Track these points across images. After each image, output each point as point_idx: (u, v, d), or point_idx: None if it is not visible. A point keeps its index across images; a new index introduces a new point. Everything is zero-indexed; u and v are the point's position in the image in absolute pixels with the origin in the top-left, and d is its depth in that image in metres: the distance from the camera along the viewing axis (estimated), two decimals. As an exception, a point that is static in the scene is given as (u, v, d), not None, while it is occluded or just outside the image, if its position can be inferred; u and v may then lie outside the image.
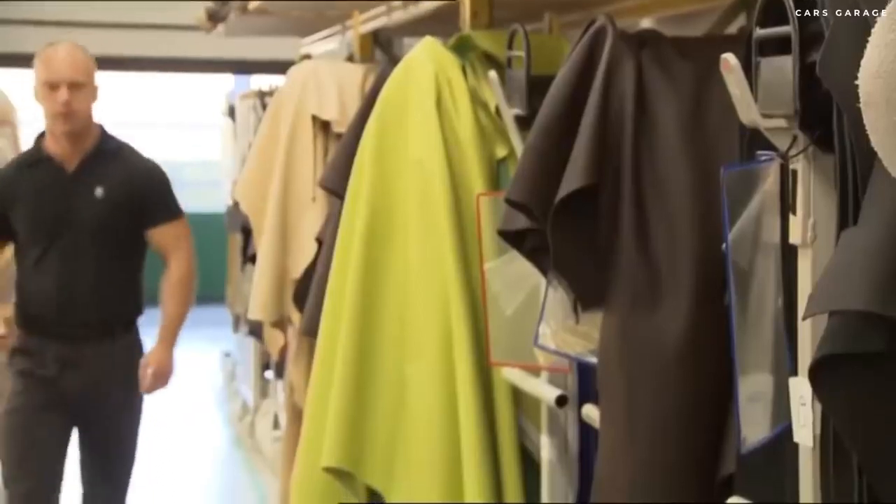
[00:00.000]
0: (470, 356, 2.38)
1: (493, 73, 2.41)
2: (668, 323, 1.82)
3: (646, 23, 2.92)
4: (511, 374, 2.39)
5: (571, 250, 1.92)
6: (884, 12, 0.99)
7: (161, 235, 3.46)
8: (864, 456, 1.37)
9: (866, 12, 1.35)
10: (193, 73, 10.19)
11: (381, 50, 3.88)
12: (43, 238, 3.36)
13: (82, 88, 3.34)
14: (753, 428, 1.59)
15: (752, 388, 1.54)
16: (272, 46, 6.43)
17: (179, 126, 10.68)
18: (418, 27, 3.42)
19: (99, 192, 3.37)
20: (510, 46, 2.42)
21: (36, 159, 3.41)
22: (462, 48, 2.60)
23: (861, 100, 1.02)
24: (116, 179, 3.39)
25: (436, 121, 2.49)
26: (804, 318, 1.41)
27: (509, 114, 2.36)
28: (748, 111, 1.55)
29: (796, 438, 1.51)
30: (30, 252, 3.37)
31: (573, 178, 1.88)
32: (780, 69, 1.49)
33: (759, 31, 1.54)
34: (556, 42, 2.60)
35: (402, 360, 2.45)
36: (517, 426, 2.44)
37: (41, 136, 3.43)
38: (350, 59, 3.93)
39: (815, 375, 1.34)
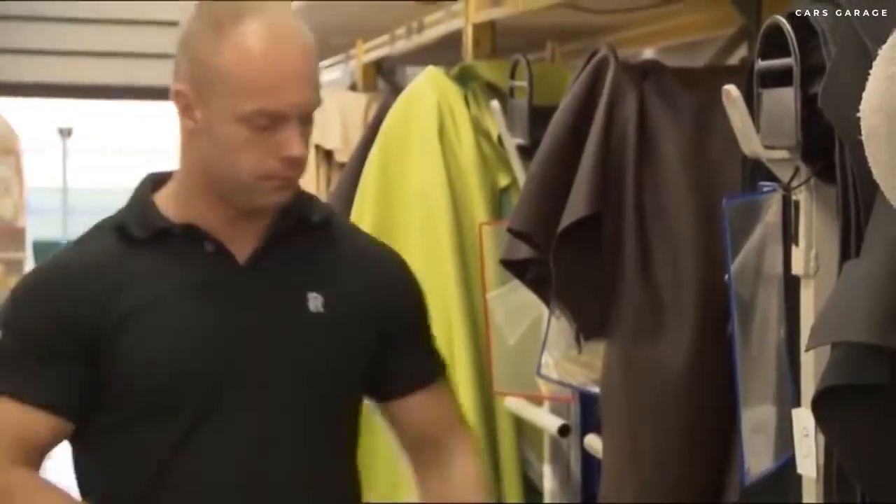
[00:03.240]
0: (472, 385, 2.38)
1: (495, 103, 2.42)
2: (670, 352, 1.82)
3: (648, 53, 2.93)
4: (513, 404, 2.39)
5: (574, 280, 1.92)
6: (885, 46, 0.99)
7: (430, 409, 1.64)
8: (868, 488, 1.37)
9: (868, 44, 1.36)
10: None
11: (384, 79, 3.89)
12: (194, 396, 1.50)
13: (312, 119, 1.52)
14: (757, 458, 1.59)
15: (756, 419, 1.54)
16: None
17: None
18: (421, 56, 3.43)
19: (315, 301, 1.55)
20: (512, 76, 2.43)
21: (158, 232, 1.52)
22: (464, 78, 2.61)
23: (863, 133, 1.02)
24: (344, 278, 1.58)
25: (438, 150, 2.49)
26: (807, 350, 1.42)
27: (511, 143, 2.37)
28: (750, 142, 1.55)
29: (800, 470, 1.51)
30: (158, 427, 1.50)
31: (576, 208, 1.88)
32: (782, 100, 1.50)
33: (761, 63, 1.54)
34: (558, 71, 2.61)
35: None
36: (520, 456, 2.44)
37: (150, 184, 1.57)
38: (353, 87, 3.94)
39: (818, 407, 1.34)
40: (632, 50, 2.91)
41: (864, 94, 1.00)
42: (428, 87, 2.57)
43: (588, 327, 1.97)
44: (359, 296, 1.54)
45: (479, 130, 2.55)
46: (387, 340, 1.57)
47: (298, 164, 1.47)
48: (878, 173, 1.02)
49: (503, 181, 2.53)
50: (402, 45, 3.37)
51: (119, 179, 8.74)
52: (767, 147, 1.54)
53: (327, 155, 3.55)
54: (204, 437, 1.47)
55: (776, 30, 1.51)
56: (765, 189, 1.60)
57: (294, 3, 3.65)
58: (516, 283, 2.13)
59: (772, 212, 1.58)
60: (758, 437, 1.58)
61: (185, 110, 1.48)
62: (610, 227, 1.90)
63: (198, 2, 1.52)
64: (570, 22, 2.71)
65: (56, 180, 10.28)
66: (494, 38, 2.79)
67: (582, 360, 2.03)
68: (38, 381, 1.47)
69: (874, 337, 1.28)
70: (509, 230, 2.01)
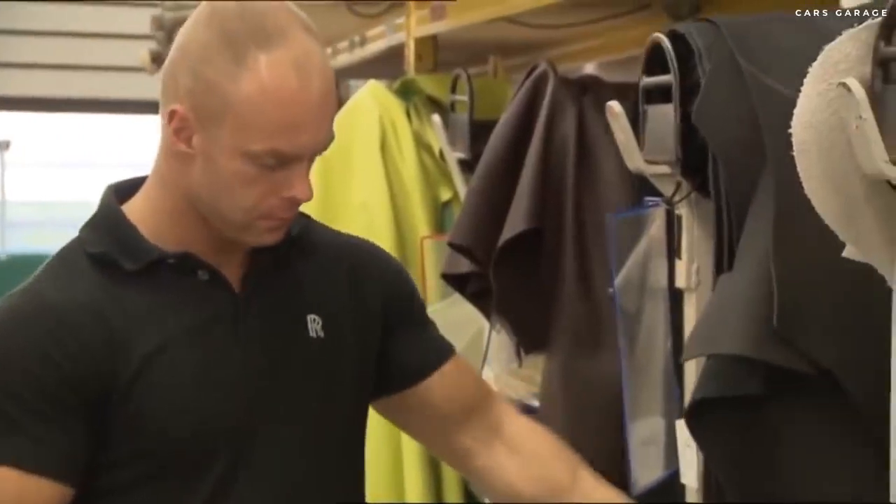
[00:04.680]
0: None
1: (436, 117, 2.43)
2: (609, 365, 1.83)
3: (589, 68, 2.96)
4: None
5: (514, 294, 1.93)
6: (815, 64, 1.01)
7: (452, 385, 1.51)
8: (741, 497, 1.39)
9: (741, 62, 1.39)
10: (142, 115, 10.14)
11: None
12: (227, 443, 1.34)
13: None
14: (647, 470, 1.60)
15: (646, 430, 1.55)
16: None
17: (134, 167, 10.59)
18: (363, 70, 3.43)
19: (314, 325, 1.43)
20: (453, 90, 2.44)
21: (150, 264, 1.34)
22: (406, 91, 2.61)
23: (794, 148, 1.04)
24: (338, 294, 1.45)
25: (380, 163, 2.50)
26: (682, 362, 1.44)
27: (453, 157, 2.38)
28: (633, 158, 1.58)
29: (683, 480, 1.53)
30: (190, 479, 1.33)
31: (516, 223, 1.89)
32: (664, 117, 1.53)
33: (646, 80, 1.57)
34: (499, 86, 2.63)
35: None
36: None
37: (117, 200, 1.38)
38: (295, 100, 3.92)
39: (691, 418, 1.36)
40: (573, 65, 2.94)
41: (796, 110, 1.02)
42: (370, 100, 2.58)
43: (528, 341, 1.98)
44: (353, 304, 1.43)
45: (421, 144, 2.55)
46: (393, 332, 1.46)
47: (296, 207, 1.33)
48: (808, 188, 1.04)
49: (445, 195, 2.53)
50: (344, 59, 3.37)
51: (57, 193, 8.63)
52: (651, 162, 1.57)
53: (269, 168, 3.53)
54: (242, 482, 1.33)
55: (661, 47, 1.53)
56: (649, 203, 1.63)
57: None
58: (457, 296, 2.14)
59: (656, 226, 1.61)
60: (648, 449, 1.59)
61: (179, 133, 1.28)
62: (550, 241, 1.91)
63: (205, 7, 1.29)
64: (511, 37, 2.73)
65: (-7, 193, 10.14)
66: (436, 52, 2.80)
67: (522, 374, 2.04)
68: (38, 444, 1.26)
69: (746, 349, 1.31)
70: (450, 244, 2.02)
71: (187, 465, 1.31)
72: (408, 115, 2.57)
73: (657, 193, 1.61)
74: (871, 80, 0.97)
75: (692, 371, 1.51)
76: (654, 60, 1.54)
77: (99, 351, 1.28)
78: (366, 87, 2.65)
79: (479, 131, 2.22)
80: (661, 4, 2.09)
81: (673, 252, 1.58)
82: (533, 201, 1.89)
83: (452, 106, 2.43)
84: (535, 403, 1.98)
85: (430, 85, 2.60)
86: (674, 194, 1.55)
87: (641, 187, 1.68)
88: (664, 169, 1.55)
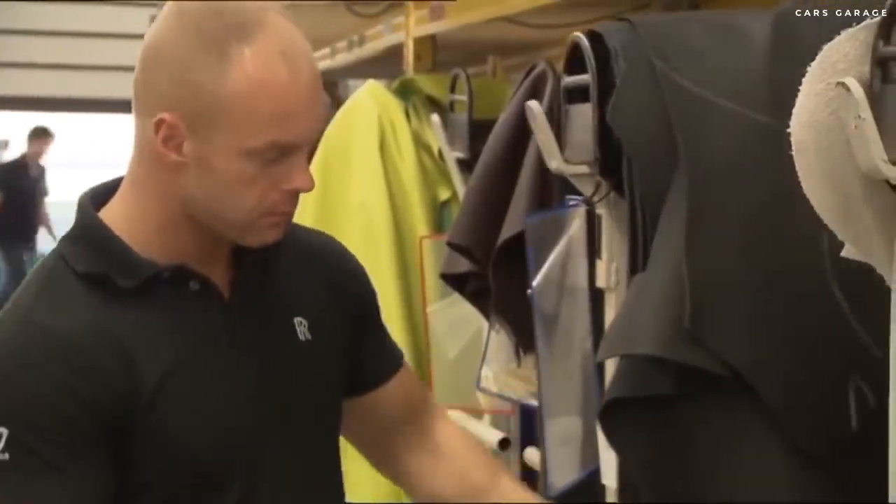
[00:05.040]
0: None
1: (435, 117, 2.43)
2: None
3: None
4: (454, 417, 2.39)
5: (513, 293, 1.93)
6: (813, 63, 1.01)
7: (403, 391, 1.52)
8: (657, 497, 1.39)
9: (656, 62, 1.39)
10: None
11: (325, 92, 3.88)
12: (244, 460, 1.32)
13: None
14: (564, 470, 1.59)
15: (564, 430, 1.54)
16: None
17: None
18: (362, 70, 3.43)
19: (301, 328, 1.40)
20: (452, 90, 2.44)
21: (145, 277, 1.29)
22: (405, 91, 2.61)
23: (793, 148, 1.04)
24: (318, 294, 1.42)
25: (379, 163, 2.50)
26: (597, 362, 1.44)
27: (451, 157, 2.38)
28: (552, 158, 1.58)
29: (603, 480, 1.53)
30: (212, 499, 1.31)
31: (515, 222, 1.89)
32: (584, 116, 1.53)
33: (566, 79, 1.57)
34: (497, 85, 2.63)
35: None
36: None
37: (95, 209, 1.32)
38: (294, 100, 3.93)
39: (604, 418, 1.36)
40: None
41: (794, 110, 1.02)
42: (369, 100, 2.58)
43: (527, 340, 1.98)
44: (331, 304, 1.41)
45: (420, 144, 2.55)
46: (363, 334, 1.46)
47: (297, 200, 1.28)
48: (807, 187, 1.04)
49: (444, 195, 2.53)
50: (343, 59, 3.37)
51: (57, 192, 8.63)
52: (571, 162, 1.57)
53: (268, 168, 3.53)
54: (262, 495, 1.31)
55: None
56: (571, 203, 1.63)
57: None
58: (456, 296, 2.14)
59: (576, 226, 1.61)
60: (565, 449, 1.59)
61: (168, 142, 1.23)
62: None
63: (170, 8, 1.25)
64: (510, 36, 2.73)
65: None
66: (435, 52, 2.80)
67: (521, 374, 2.04)
68: (72, 482, 1.20)
69: (658, 349, 1.31)
70: (449, 244, 2.02)
71: (210, 485, 1.27)
72: (406, 114, 2.57)
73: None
74: (869, 79, 0.97)
75: (612, 371, 1.51)
76: (576, 60, 1.54)
77: (117, 374, 1.23)
78: (364, 87, 2.65)
79: (478, 131, 2.22)
80: (659, 4, 2.09)
81: (594, 252, 1.58)
82: (532, 201, 1.89)
83: (451, 106, 2.43)
84: (535, 403, 1.98)
85: (429, 85, 2.60)
86: (593, 194, 1.55)
87: (563, 187, 1.68)
88: (584, 169, 1.55)
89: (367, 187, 2.50)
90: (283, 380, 1.34)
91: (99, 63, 9.02)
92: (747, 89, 1.39)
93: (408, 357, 2.39)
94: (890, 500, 1.00)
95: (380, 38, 3.02)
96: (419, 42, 2.78)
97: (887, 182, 0.99)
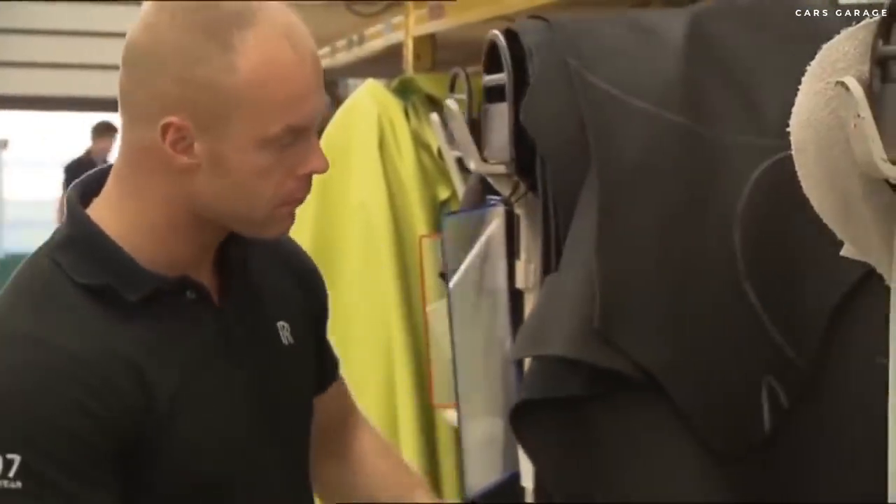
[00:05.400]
0: (412, 398, 2.38)
1: (434, 116, 2.43)
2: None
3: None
4: (454, 416, 2.39)
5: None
6: (813, 62, 1.01)
7: (338, 398, 1.53)
8: (568, 498, 1.39)
9: (570, 61, 1.40)
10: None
11: (325, 91, 3.88)
12: (242, 473, 1.31)
13: None
14: (484, 471, 1.58)
15: (484, 432, 1.53)
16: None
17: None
18: (361, 69, 3.43)
19: (284, 332, 1.38)
20: (452, 89, 2.43)
21: (150, 290, 1.25)
22: (404, 91, 2.61)
23: (792, 147, 1.04)
24: (291, 295, 1.42)
25: (378, 163, 2.50)
26: (510, 362, 1.43)
27: (451, 156, 2.38)
28: (469, 157, 1.58)
29: (523, 482, 1.53)
30: None
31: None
32: (501, 115, 1.53)
33: (486, 78, 1.57)
34: (498, 85, 2.63)
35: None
36: (460, 466, 2.44)
37: (84, 207, 1.27)
38: (294, 100, 3.93)
39: (515, 420, 1.35)
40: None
41: (794, 109, 1.02)
42: (368, 99, 2.58)
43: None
44: (303, 306, 1.40)
45: (420, 143, 2.55)
46: (318, 338, 1.45)
47: (311, 182, 1.26)
48: (806, 186, 1.04)
49: (443, 194, 2.53)
50: (342, 58, 3.37)
51: (56, 192, 8.62)
52: (490, 162, 1.57)
53: (267, 167, 3.53)
54: (256, 502, 1.29)
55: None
56: (491, 202, 1.63)
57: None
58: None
59: (495, 225, 1.60)
60: (486, 450, 1.58)
61: (177, 144, 1.18)
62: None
63: (155, 8, 1.20)
64: (509, 36, 2.72)
65: (-9, 192, 10.14)
66: (435, 51, 2.80)
67: (521, 372, 2.04)
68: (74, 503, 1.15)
69: (568, 350, 1.31)
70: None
71: (213, 495, 1.25)
72: (406, 114, 2.57)
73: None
74: (869, 78, 0.97)
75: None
76: (496, 59, 1.54)
77: (129, 391, 1.18)
78: (364, 87, 2.65)
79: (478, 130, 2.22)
80: (659, 5, 2.09)
81: (513, 252, 1.58)
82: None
83: (451, 105, 2.43)
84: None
85: (429, 84, 2.60)
86: (511, 194, 1.55)
87: (485, 187, 1.69)
88: (501, 169, 1.55)
89: (367, 187, 2.49)
90: (274, 386, 1.32)
91: (99, 62, 9.02)
92: (662, 89, 1.39)
93: (408, 357, 2.41)
94: (890, 500, 1.00)
95: (379, 37, 3.02)
96: (419, 41, 2.78)
97: (886, 181, 0.99)
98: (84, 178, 1.29)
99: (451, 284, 1.53)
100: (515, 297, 1.56)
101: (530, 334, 1.36)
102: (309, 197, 2.74)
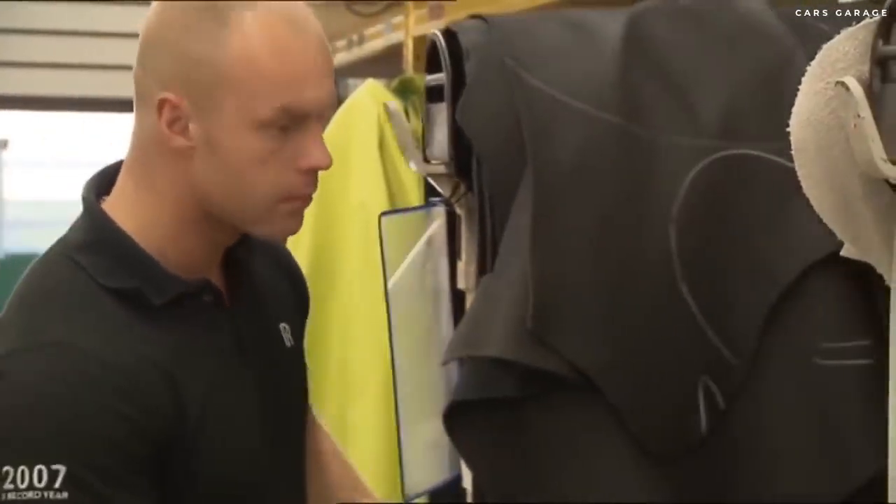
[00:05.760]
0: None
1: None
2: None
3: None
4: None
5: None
6: (812, 63, 1.01)
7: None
8: (501, 498, 1.38)
9: (506, 61, 1.40)
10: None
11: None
12: (261, 475, 1.30)
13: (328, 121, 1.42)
14: (427, 473, 1.57)
15: (428, 433, 1.52)
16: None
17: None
18: (361, 69, 3.43)
19: (286, 334, 1.39)
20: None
21: (175, 294, 1.24)
22: (404, 90, 2.61)
23: (793, 147, 1.04)
24: (288, 296, 1.43)
25: (378, 163, 2.50)
26: (442, 364, 1.44)
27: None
28: (411, 157, 1.58)
29: (464, 483, 1.52)
30: None
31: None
32: (442, 115, 1.53)
33: (427, 78, 1.57)
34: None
35: (344, 403, 2.44)
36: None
37: (112, 225, 1.23)
38: (294, 99, 3.93)
39: (448, 420, 1.35)
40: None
41: (794, 109, 1.02)
42: (368, 99, 2.58)
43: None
44: (296, 308, 1.40)
45: (420, 143, 2.55)
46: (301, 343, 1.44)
47: (317, 181, 1.22)
48: (806, 186, 1.04)
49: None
50: (342, 58, 3.36)
51: (56, 192, 8.62)
52: (433, 162, 1.57)
53: (267, 167, 3.54)
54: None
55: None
56: (433, 202, 1.62)
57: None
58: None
59: (436, 225, 1.59)
60: (430, 452, 1.57)
61: (173, 124, 1.17)
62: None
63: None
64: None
65: (-8, 192, 10.14)
66: (435, 51, 2.79)
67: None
68: None
69: (501, 351, 1.31)
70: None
71: (232, 502, 1.23)
72: (406, 114, 2.57)
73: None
74: (869, 78, 0.97)
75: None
76: (437, 58, 1.54)
77: (164, 398, 1.16)
78: (364, 86, 2.65)
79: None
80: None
81: (455, 253, 1.57)
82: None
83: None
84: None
85: (429, 84, 2.60)
86: (452, 194, 1.55)
87: (430, 187, 1.69)
88: (442, 168, 1.55)
89: (367, 187, 2.49)
90: (280, 388, 1.31)
91: (99, 62, 9.01)
92: (599, 90, 1.39)
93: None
94: (890, 500, 1.00)
95: (379, 37, 3.02)
96: (419, 41, 2.78)
97: (886, 181, 0.99)
98: (97, 174, 1.27)
99: (389, 285, 1.52)
100: (458, 297, 1.55)
101: (465, 335, 1.36)
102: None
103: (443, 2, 2.55)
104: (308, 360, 2.29)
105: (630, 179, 1.36)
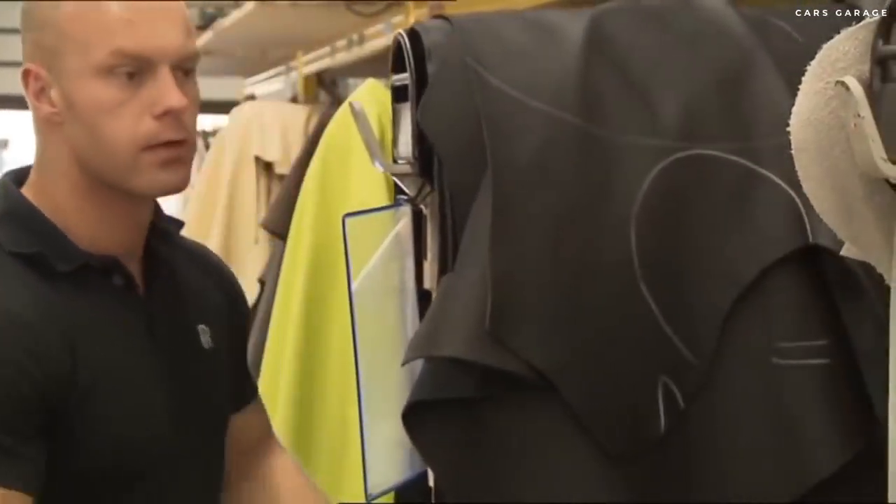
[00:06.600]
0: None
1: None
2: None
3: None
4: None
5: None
6: (813, 62, 1.01)
7: (256, 420, 1.60)
8: (459, 498, 1.38)
9: (468, 60, 1.40)
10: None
11: (325, 91, 3.89)
12: (157, 462, 1.35)
13: (193, 76, 1.34)
14: (390, 471, 1.56)
15: (392, 432, 1.52)
16: (215, 87, 6.40)
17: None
18: (362, 68, 3.43)
19: (205, 336, 1.43)
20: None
21: (80, 264, 1.31)
22: (405, 90, 2.61)
23: (793, 146, 1.04)
24: (213, 301, 1.48)
25: (378, 162, 2.49)
26: (402, 364, 1.44)
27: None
28: (375, 156, 1.59)
29: (430, 482, 1.52)
30: (123, 496, 1.33)
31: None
32: (407, 115, 1.53)
33: (392, 77, 1.58)
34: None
35: (344, 402, 2.44)
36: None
37: (24, 200, 1.33)
38: (294, 99, 3.93)
39: (408, 420, 1.35)
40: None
41: (794, 109, 1.02)
42: (368, 98, 2.57)
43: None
44: (225, 315, 1.45)
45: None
46: (238, 353, 1.50)
47: (182, 128, 1.24)
48: (807, 187, 1.04)
49: (443, 194, 2.53)
50: (342, 57, 3.36)
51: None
52: (399, 161, 1.57)
53: (267, 167, 3.54)
54: (166, 497, 1.33)
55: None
56: (399, 201, 1.63)
57: (233, 13, 3.63)
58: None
59: (402, 225, 1.60)
60: (394, 450, 1.57)
61: (40, 94, 1.27)
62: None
63: None
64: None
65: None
66: (435, 50, 2.79)
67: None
68: (11, 457, 1.18)
69: (459, 351, 1.31)
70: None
71: (122, 485, 1.28)
72: (406, 113, 2.57)
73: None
74: (869, 78, 0.97)
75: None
76: (402, 58, 1.55)
77: (61, 356, 1.22)
78: (364, 86, 2.64)
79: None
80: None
81: (421, 253, 1.58)
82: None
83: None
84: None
85: (429, 83, 2.60)
86: (417, 194, 1.55)
87: (396, 187, 1.69)
88: (407, 168, 1.55)
89: (367, 186, 2.49)
90: (193, 385, 1.36)
91: (98, 62, 9.01)
92: (559, 90, 1.39)
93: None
94: (890, 500, 1.00)
95: (380, 37, 3.02)
96: (419, 41, 2.77)
97: (887, 181, 0.99)
98: (22, 166, 1.36)
99: (354, 285, 1.52)
100: (423, 297, 1.56)
101: (424, 335, 1.36)
102: (308, 197, 2.77)
103: (443, 1, 2.55)
104: (309, 360, 2.33)
105: (590, 180, 1.36)
